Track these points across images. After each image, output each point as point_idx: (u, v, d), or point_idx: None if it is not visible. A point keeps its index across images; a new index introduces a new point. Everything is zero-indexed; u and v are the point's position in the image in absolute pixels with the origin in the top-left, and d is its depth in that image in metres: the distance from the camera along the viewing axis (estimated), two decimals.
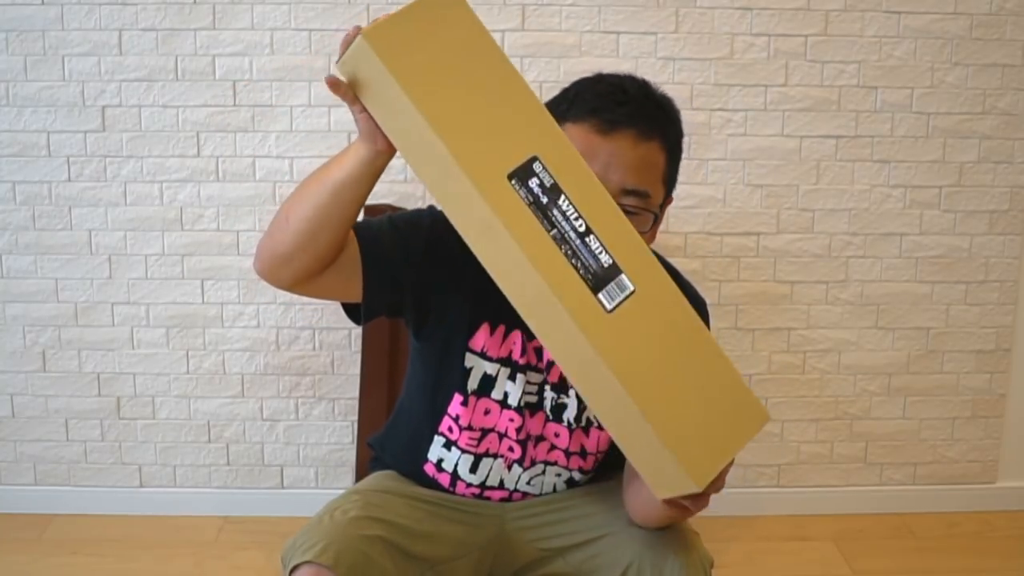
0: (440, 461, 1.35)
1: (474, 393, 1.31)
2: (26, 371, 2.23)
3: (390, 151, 1.05)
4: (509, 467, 1.33)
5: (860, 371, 2.27)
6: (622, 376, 0.94)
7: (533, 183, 0.95)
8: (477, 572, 1.34)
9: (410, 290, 1.25)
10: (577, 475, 1.36)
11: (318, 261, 1.15)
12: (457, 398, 1.31)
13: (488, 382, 1.31)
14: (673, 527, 1.23)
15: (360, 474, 1.57)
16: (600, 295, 0.95)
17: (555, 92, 1.30)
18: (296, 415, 2.26)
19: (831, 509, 2.32)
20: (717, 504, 2.30)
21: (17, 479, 2.29)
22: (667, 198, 1.26)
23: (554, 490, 1.36)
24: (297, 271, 1.16)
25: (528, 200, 0.95)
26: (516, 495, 1.35)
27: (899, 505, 2.33)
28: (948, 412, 2.30)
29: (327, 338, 2.21)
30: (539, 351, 1.31)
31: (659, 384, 0.96)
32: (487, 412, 1.32)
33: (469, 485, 1.35)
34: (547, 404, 1.31)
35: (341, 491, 1.37)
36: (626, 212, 1.14)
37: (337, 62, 1.01)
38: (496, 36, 1.99)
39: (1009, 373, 2.29)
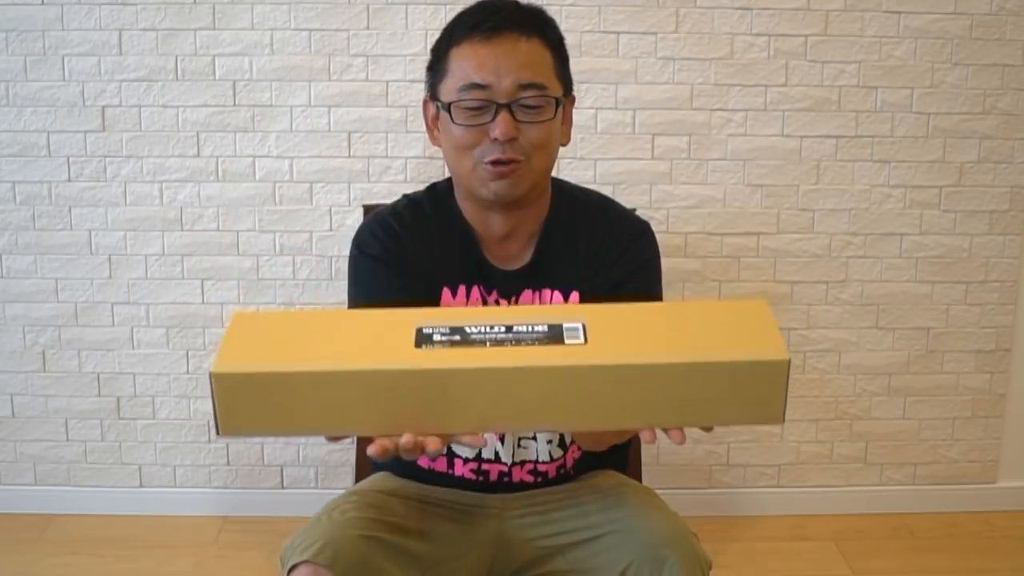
0: None
1: None
2: (26, 371, 2.23)
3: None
4: (501, 437, 1.34)
5: (860, 371, 2.27)
6: (641, 358, 0.94)
7: (437, 337, 0.95)
8: (477, 571, 1.34)
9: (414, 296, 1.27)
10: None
11: None
12: None
13: None
14: (673, 528, 1.23)
15: (360, 475, 1.57)
16: (566, 342, 0.95)
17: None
18: None
19: (831, 509, 2.32)
20: (717, 504, 2.31)
21: (17, 479, 2.29)
22: (568, 95, 1.30)
23: (550, 457, 1.36)
24: None
25: (447, 346, 0.94)
26: (515, 468, 1.35)
27: (899, 505, 2.33)
28: (948, 412, 2.30)
29: None
30: (498, 303, 1.33)
31: (675, 341, 0.96)
32: None
33: (467, 461, 1.35)
34: None
35: (341, 491, 1.37)
36: (527, 107, 1.22)
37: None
38: None
39: (1009, 373, 2.29)
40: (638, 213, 1.44)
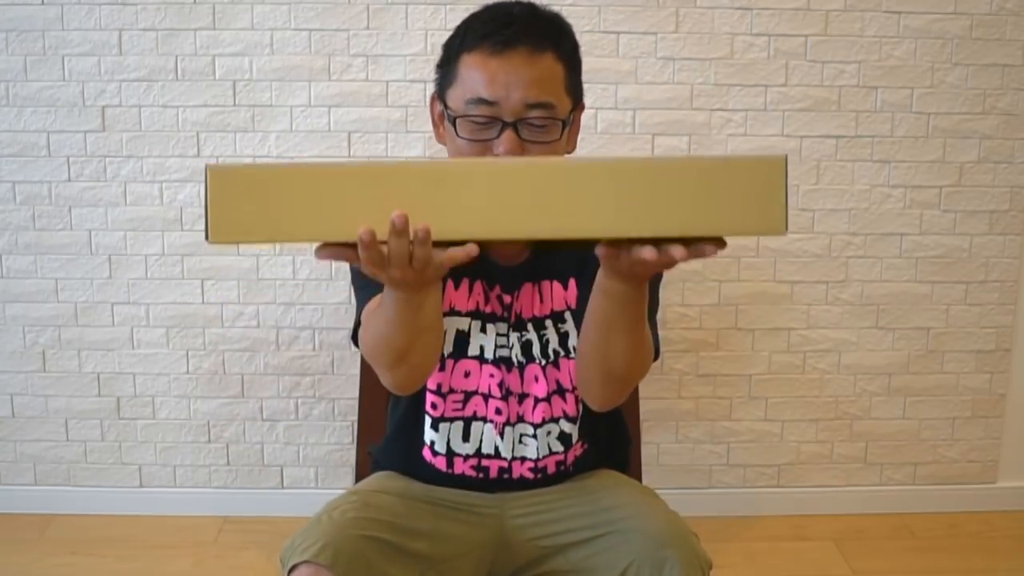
0: (433, 443, 1.35)
1: (451, 356, 1.32)
2: (26, 371, 2.23)
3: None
4: (500, 432, 1.34)
5: (860, 371, 2.27)
6: (647, 159, 0.97)
7: None
8: (477, 571, 1.35)
9: None
10: (566, 425, 1.36)
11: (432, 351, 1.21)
12: None
13: (462, 339, 1.32)
14: (673, 528, 1.23)
15: (360, 475, 1.57)
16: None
17: None
18: (296, 415, 2.26)
19: (831, 509, 2.32)
20: (717, 504, 2.31)
21: (17, 479, 2.29)
22: (577, 106, 1.29)
23: (549, 451, 1.36)
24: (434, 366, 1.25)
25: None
26: (515, 464, 1.35)
27: (899, 505, 2.33)
28: (948, 412, 2.30)
29: (327, 338, 2.21)
30: (500, 299, 1.32)
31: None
32: (467, 374, 1.33)
33: (467, 458, 1.35)
34: (516, 351, 1.32)
35: (341, 491, 1.37)
36: (533, 125, 1.21)
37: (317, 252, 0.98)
38: None
39: (1009, 373, 2.29)
40: None
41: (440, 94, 1.28)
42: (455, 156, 1.25)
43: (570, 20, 1.26)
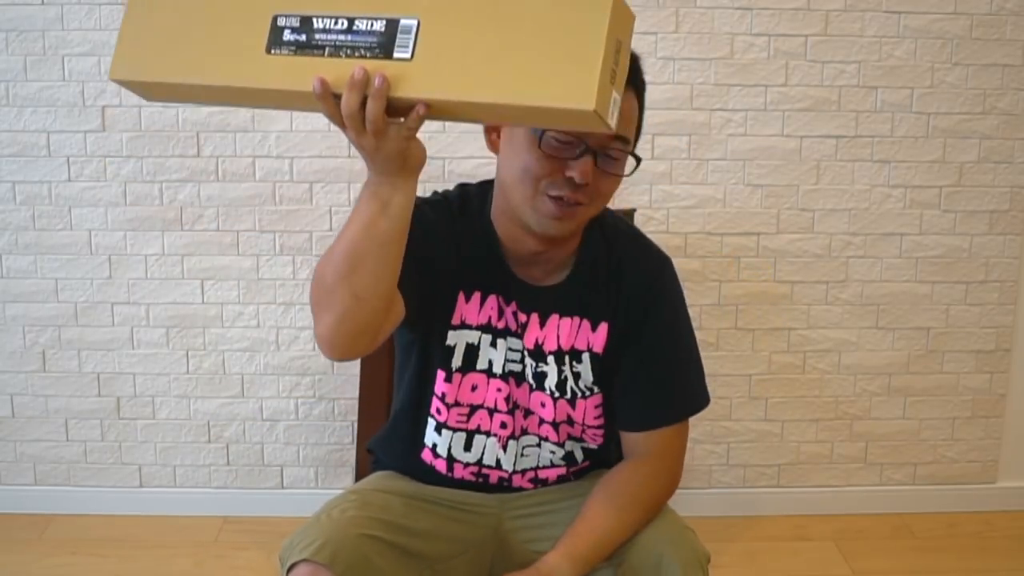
0: (435, 446, 1.35)
1: (459, 370, 1.31)
2: (26, 371, 2.23)
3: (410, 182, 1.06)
4: (504, 446, 1.33)
5: (860, 371, 2.27)
6: (461, 94, 0.96)
7: (287, 35, 1.01)
8: (476, 571, 1.34)
9: (418, 291, 1.24)
10: (575, 449, 1.36)
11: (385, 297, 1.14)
12: (440, 375, 1.32)
13: (472, 352, 1.31)
14: (668, 525, 1.23)
15: (360, 475, 1.57)
16: (395, 54, 0.98)
17: None
18: (296, 415, 2.26)
19: (831, 509, 2.32)
20: (717, 504, 2.31)
21: (17, 479, 2.29)
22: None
23: (551, 465, 1.36)
24: (373, 327, 1.14)
25: (292, 51, 1.01)
26: (516, 476, 1.35)
27: (899, 505, 2.33)
28: (948, 412, 2.30)
29: None
30: (515, 315, 1.31)
31: (497, 65, 0.96)
32: (474, 388, 1.32)
33: (467, 465, 1.35)
34: (528, 372, 1.32)
35: (341, 491, 1.37)
36: (609, 156, 1.21)
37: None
38: None
39: (1009, 373, 2.29)
40: (638, 213, 1.44)
41: None
42: (519, 168, 1.22)
43: None
